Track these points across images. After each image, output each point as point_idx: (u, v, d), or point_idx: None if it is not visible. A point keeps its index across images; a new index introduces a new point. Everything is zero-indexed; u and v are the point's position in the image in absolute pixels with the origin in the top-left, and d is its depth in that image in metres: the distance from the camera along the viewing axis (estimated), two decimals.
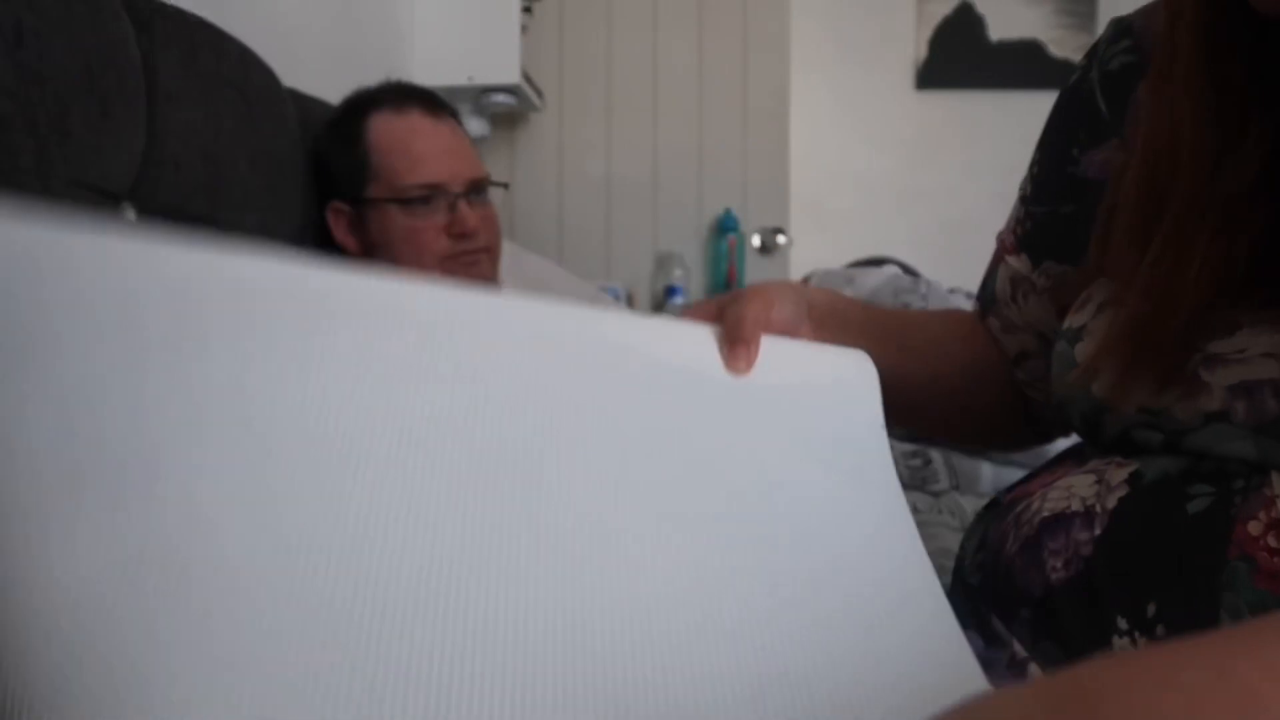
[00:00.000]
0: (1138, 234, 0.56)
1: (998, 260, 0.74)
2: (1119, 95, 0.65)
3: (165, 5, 1.03)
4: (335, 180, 1.36)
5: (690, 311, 0.63)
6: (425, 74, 1.60)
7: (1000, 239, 0.75)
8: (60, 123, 0.83)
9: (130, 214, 0.95)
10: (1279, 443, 0.49)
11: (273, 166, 1.21)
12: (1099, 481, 0.55)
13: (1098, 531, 0.53)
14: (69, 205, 0.84)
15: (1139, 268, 0.55)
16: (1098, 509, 0.54)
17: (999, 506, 0.64)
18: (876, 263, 2.06)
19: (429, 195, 1.32)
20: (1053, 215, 0.68)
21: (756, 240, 2.62)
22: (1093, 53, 0.68)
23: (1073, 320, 0.61)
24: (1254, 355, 0.50)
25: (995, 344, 0.76)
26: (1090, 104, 0.66)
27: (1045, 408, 0.72)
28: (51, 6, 0.83)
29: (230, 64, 1.13)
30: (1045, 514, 0.56)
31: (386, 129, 1.35)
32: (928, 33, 2.99)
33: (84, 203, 0.86)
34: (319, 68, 1.56)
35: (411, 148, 1.34)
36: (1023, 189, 0.73)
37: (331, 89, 1.49)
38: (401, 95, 1.39)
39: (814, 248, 2.69)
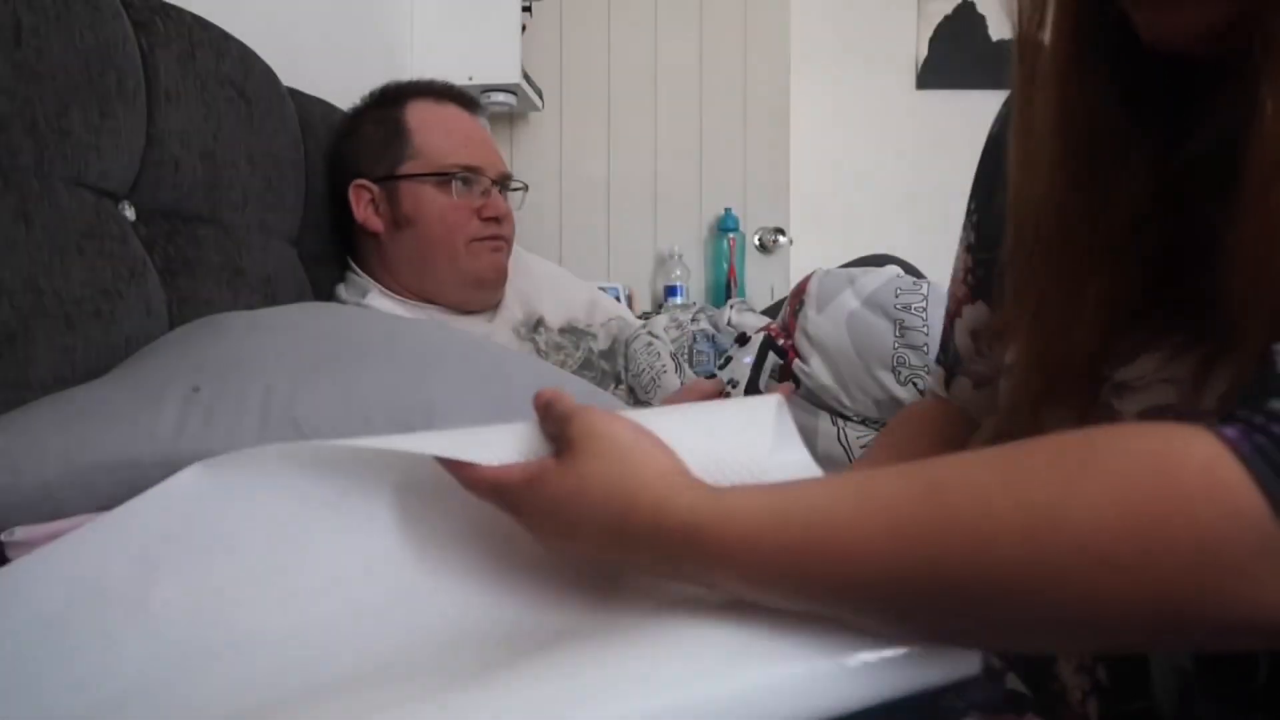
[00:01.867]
0: (1024, 287, 0.56)
1: (952, 319, 0.74)
2: None
3: (165, 5, 1.03)
4: (363, 159, 1.38)
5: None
6: (425, 74, 1.60)
7: (951, 296, 0.74)
8: (60, 123, 0.83)
9: (130, 213, 0.95)
10: None
11: (273, 166, 1.21)
12: None
13: None
14: (68, 205, 0.84)
15: (1032, 317, 0.55)
16: None
17: None
18: (878, 261, 2.05)
19: (470, 176, 1.36)
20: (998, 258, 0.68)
21: (756, 240, 2.61)
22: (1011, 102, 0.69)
23: (1009, 356, 0.61)
24: (1154, 381, 0.50)
25: (963, 412, 0.74)
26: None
27: None
28: (50, 6, 0.82)
29: (230, 64, 1.13)
30: None
31: (428, 113, 1.40)
32: (928, 32, 2.99)
33: (84, 203, 0.86)
34: (319, 68, 1.56)
35: (454, 129, 1.39)
36: (965, 239, 0.73)
37: (331, 89, 1.49)
38: (440, 90, 1.44)
39: (814, 248, 2.68)
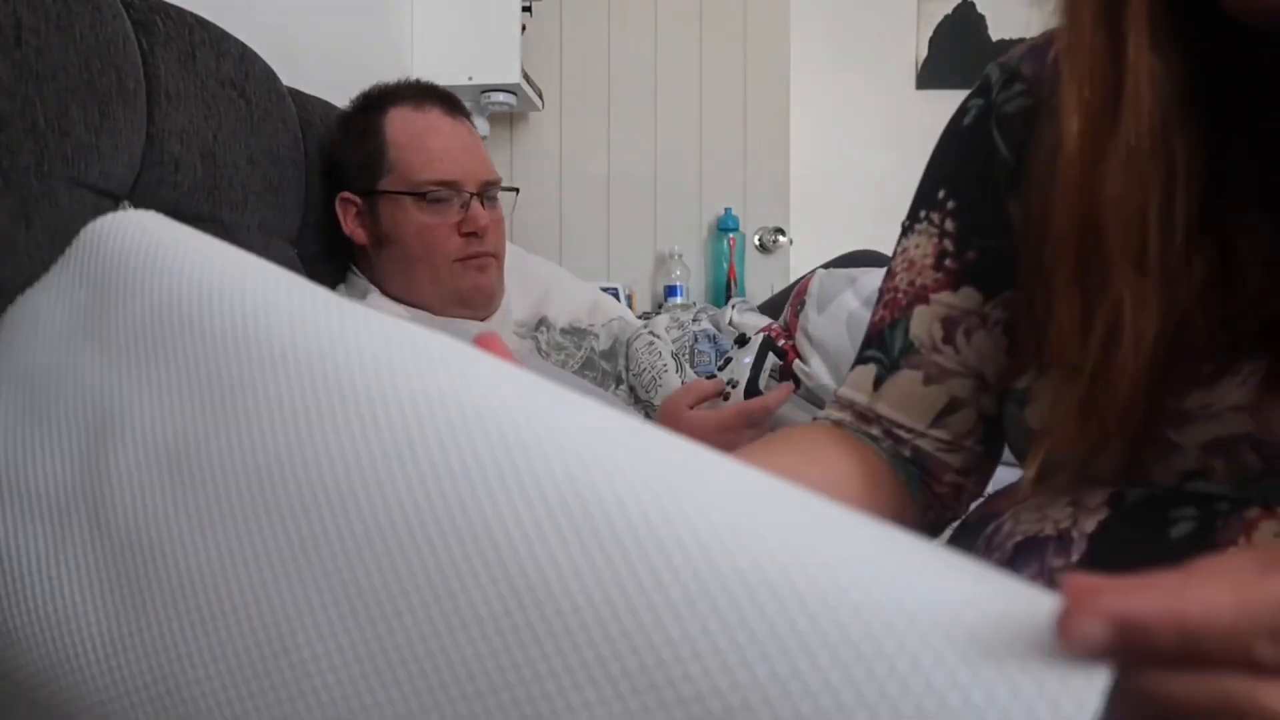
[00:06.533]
0: (1079, 321, 0.52)
1: (905, 309, 0.68)
2: (1016, 140, 0.63)
3: (165, 5, 1.03)
4: (347, 171, 1.36)
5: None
6: (425, 74, 1.60)
7: (899, 289, 0.69)
8: (60, 122, 0.83)
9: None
10: (1266, 495, 0.48)
11: (273, 166, 1.21)
12: (1073, 504, 0.54)
13: (1075, 557, 0.51)
14: (68, 205, 0.84)
15: (1084, 348, 0.51)
16: (1074, 533, 0.52)
17: (968, 527, 0.62)
18: (863, 257, 2.05)
19: (444, 194, 1.33)
20: (1000, 247, 0.64)
21: (756, 240, 2.62)
22: (985, 94, 0.66)
23: (1019, 382, 0.59)
24: (1223, 410, 0.48)
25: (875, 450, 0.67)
26: (993, 146, 0.65)
27: (967, 469, 0.66)
28: (50, 6, 0.82)
29: (230, 64, 1.12)
30: (1019, 537, 0.55)
31: (406, 124, 1.36)
32: (928, 32, 2.99)
33: (84, 203, 0.86)
34: (319, 68, 1.56)
35: (430, 144, 1.35)
36: (932, 230, 0.68)
37: (331, 89, 1.49)
38: (421, 93, 1.40)
39: (814, 248, 2.68)
